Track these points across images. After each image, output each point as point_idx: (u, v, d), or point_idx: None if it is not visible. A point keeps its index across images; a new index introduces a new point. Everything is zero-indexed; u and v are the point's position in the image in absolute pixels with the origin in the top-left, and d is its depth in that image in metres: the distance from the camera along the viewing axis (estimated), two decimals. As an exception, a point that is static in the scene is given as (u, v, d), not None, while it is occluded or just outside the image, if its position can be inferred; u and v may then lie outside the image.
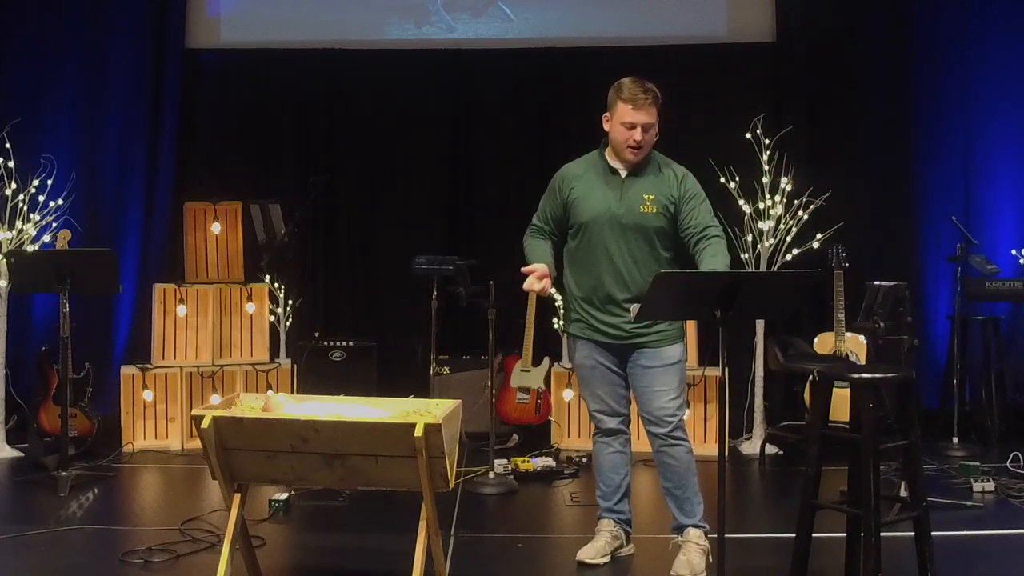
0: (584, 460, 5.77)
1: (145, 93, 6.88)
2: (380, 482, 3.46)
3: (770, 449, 6.03)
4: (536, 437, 6.27)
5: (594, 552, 4.11)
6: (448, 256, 5.87)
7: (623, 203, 3.93)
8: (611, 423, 4.15)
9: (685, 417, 4.04)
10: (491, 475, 5.28)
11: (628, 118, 3.87)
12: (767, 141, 5.92)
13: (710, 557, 3.96)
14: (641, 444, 6.17)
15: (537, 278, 3.94)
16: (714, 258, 3.80)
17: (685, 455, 4.00)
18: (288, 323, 6.58)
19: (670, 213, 3.95)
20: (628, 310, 3.89)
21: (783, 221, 5.96)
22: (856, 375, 3.58)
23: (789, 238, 5.98)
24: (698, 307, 3.52)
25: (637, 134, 3.87)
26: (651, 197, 3.93)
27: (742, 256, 5.99)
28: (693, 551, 3.95)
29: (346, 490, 4.90)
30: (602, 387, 4.08)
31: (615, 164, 4.00)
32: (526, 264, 4.03)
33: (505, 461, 5.50)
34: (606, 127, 4.00)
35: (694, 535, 3.99)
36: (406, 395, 3.88)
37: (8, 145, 5.82)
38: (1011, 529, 4.56)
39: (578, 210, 4.00)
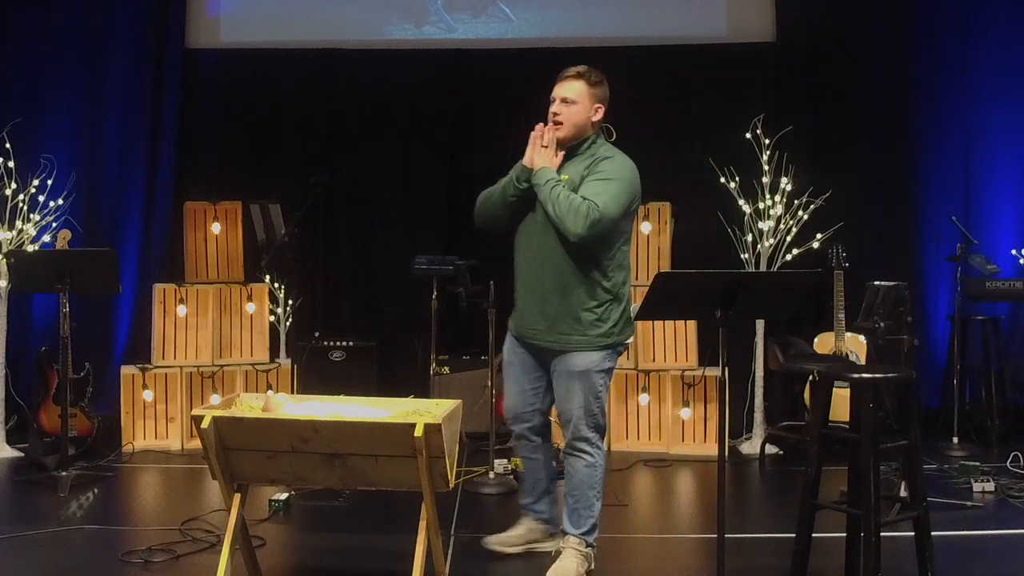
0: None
1: (145, 93, 6.87)
2: (380, 482, 3.45)
3: (770, 449, 6.03)
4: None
5: (498, 541, 4.12)
6: (448, 256, 5.87)
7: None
8: (516, 427, 4.06)
9: (590, 430, 3.85)
10: (491, 475, 5.28)
11: (552, 94, 3.89)
12: (767, 141, 5.92)
13: (592, 565, 3.89)
14: (641, 444, 6.23)
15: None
16: (564, 194, 3.70)
17: (583, 468, 3.87)
18: (288, 323, 6.58)
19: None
20: (538, 307, 3.82)
21: (783, 221, 5.96)
22: (856, 375, 3.58)
23: (789, 238, 5.97)
24: (698, 307, 3.51)
25: (555, 106, 3.86)
26: (565, 178, 3.80)
27: (742, 256, 5.99)
28: (570, 556, 3.86)
29: (346, 490, 4.90)
30: (512, 386, 4.02)
31: (562, 150, 3.92)
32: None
33: (505, 461, 5.49)
34: None
35: (573, 542, 3.89)
36: (406, 395, 3.88)
37: (8, 145, 5.82)
38: (1011, 529, 4.55)
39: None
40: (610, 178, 3.75)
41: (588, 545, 3.90)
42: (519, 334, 3.96)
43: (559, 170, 3.84)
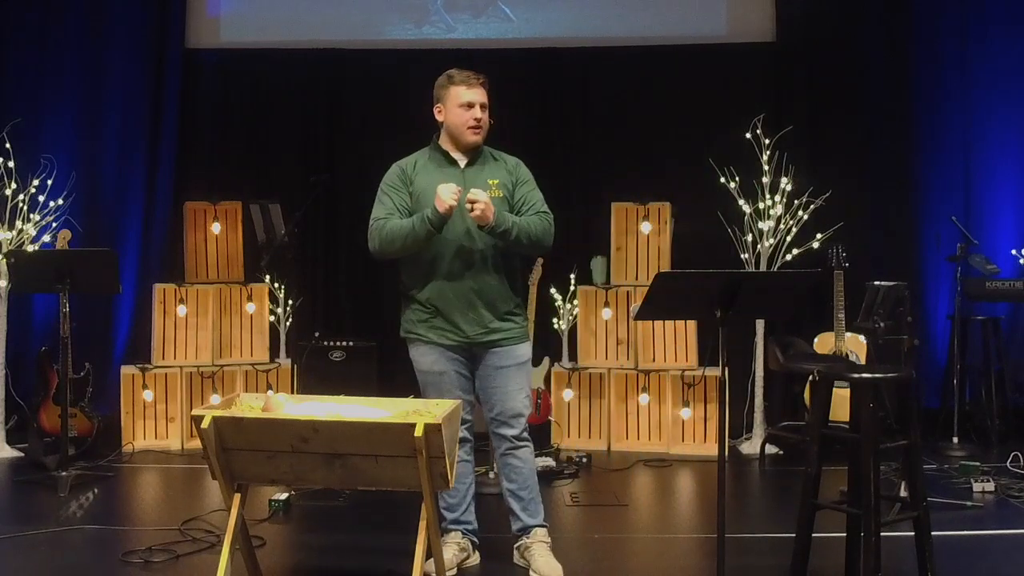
0: (584, 460, 5.77)
1: (145, 93, 6.88)
2: (380, 482, 3.45)
3: (770, 449, 6.03)
4: (536, 437, 6.20)
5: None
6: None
7: (468, 191, 3.74)
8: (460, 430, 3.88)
9: (527, 419, 3.98)
10: (491, 475, 5.28)
11: (465, 99, 3.88)
12: (767, 141, 5.92)
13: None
14: (641, 444, 6.23)
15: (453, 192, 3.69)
16: (529, 221, 3.82)
17: (530, 455, 3.97)
18: (288, 323, 6.58)
19: (511, 198, 3.89)
20: (476, 307, 3.82)
21: (783, 221, 5.96)
22: (856, 375, 3.58)
23: (789, 238, 5.97)
24: (698, 307, 3.51)
25: (477, 112, 3.87)
26: (496, 182, 3.86)
27: (742, 256, 5.99)
28: (546, 551, 3.91)
29: (346, 490, 4.90)
30: (454, 393, 3.86)
31: (454, 155, 3.93)
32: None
33: (505, 461, 5.48)
34: (440, 118, 3.97)
35: (541, 534, 3.94)
36: (406, 395, 3.88)
37: (8, 145, 5.82)
38: (1011, 529, 4.55)
39: (422, 204, 3.80)
40: (535, 186, 3.97)
41: (548, 530, 3.97)
42: (455, 342, 3.86)
43: (481, 174, 3.89)
